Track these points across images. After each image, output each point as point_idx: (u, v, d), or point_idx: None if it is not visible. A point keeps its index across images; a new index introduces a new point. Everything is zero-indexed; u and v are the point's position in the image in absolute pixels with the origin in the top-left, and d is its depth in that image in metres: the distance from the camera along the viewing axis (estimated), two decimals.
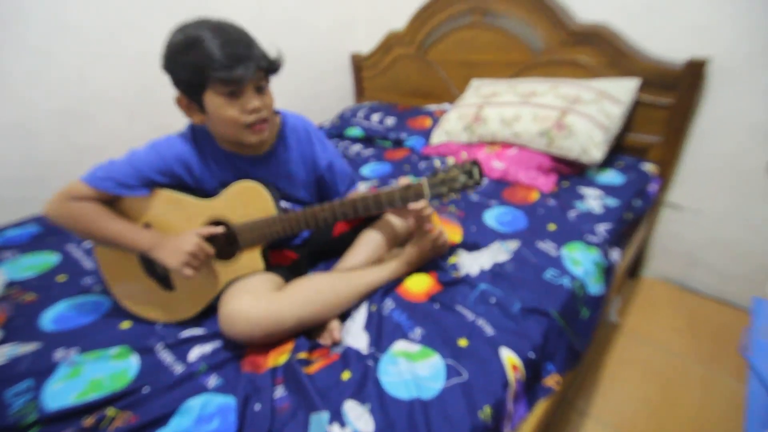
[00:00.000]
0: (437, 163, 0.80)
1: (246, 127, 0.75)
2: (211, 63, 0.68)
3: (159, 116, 1.65)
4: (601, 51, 1.39)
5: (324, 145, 0.95)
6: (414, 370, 0.69)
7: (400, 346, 0.74)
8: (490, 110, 1.43)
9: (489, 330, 0.77)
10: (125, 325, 0.84)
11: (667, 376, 1.24)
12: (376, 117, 1.87)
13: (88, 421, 0.61)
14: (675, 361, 1.28)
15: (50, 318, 0.86)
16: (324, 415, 0.61)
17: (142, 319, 0.85)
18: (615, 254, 1.06)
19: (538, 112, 1.32)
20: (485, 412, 0.63)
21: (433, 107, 1.84)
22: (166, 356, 0.75)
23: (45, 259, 1.08)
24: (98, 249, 0.85)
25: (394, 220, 0.96)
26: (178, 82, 0.73)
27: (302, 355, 0.71)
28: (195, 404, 0.65)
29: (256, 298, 0.73)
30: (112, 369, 0.72)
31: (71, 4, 1.36)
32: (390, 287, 0.88)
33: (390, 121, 1.82)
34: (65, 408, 0.64)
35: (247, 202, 0.81)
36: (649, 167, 1.36)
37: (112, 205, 0.80)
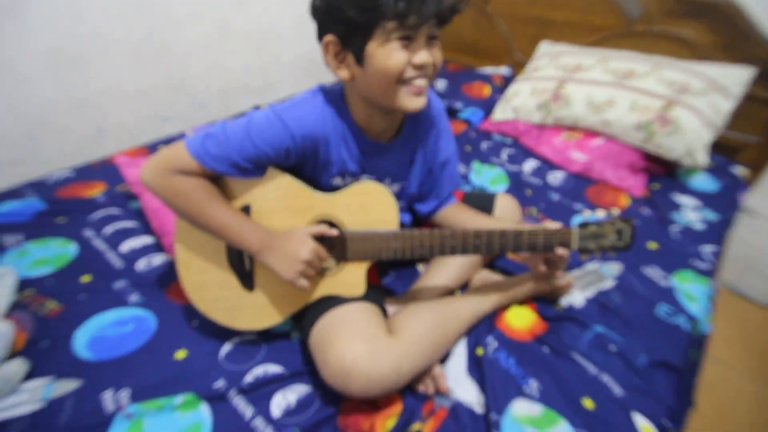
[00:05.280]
0: (586, 212, 0.70)
1: (405, 84, 0.59)
2: None
3: (171, 63, 1.37)
4: (716, 28, 1.17)
5: (449, 136, 0.79)
6: None
7: (520, 407, 0.64)
8: (574, 88, 1.23)
9: (617, 389, 0.67)
10: (180, 354, 0.70)
11: (718, 388, 1.22)
12: None
13: None
14: (726, 373, 1.26)
15: (84, 341, 0.71)
16: None
17: (201, 347, 0.71)
18: (716, 280, 0.96)
19: (637, 99, 1.13)
20: None
21: (489, 70, 1.60)
22: (243, 407, 0.63)
23: (60, 250, 0.89)
24: (180, 226, 0.69)
25: None
26: (336, 22, 0.57)
27: (416, 426, 0.60)
28: None
29: (374, 349, 0.59)
30: (181, 425, 0.59)
31: None
32: (490, 320, 0.76)
33: (441, 84, 1.58)
34: None
35: (369, 207, 0.67)
36: (740, 171, 1.22)
37: (215, 177, 0.65)
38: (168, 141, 1.30)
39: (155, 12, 1.27)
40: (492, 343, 0.73)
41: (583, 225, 0.68)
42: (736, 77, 1.12)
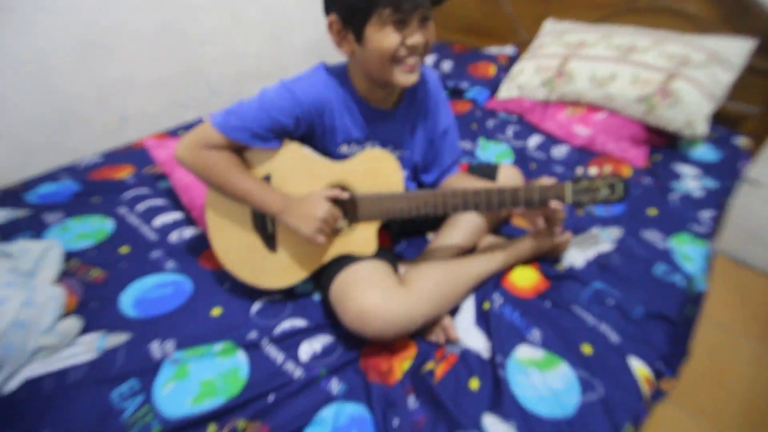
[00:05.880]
0: (579, 170, 0.75)
1: (398, 62, 0.65)
2: None
3: (187, 51, 1.43)
4: (717, 1, 1.19)
5: (447, 107, 0.86)
6: (547, 382, 0.66)
7: (524, 352, 0.70)
8: (577, 64, 1.26)
9: (613, 337, 0.73)
10: (216, 311, 0.78)
11: (719, 349, 1.27)
12: (430, 59, 1.66)
13: None
14: (727, 336, 1.31)
15: (130, 302, 0.79)
16: None
17: (233, 305, 0.79)
18: (715, 243, 1.00)
19: (639, 72, 1.16)
20: (627, 431, 0.61)
21: (494, 50, 1.63)
22: (275, 354, 0.70)
23: (98, 226, 0.97)
24: (210, 196, 0.77)
25: None
26: (338, 4, 0.64)
27: (430, 365, 0.67)
28: (327, 415, 0.61)
29: (388, 296, 0.66)
30: (221, 368, 0.67)
31: None
32: (496, 280, 0.83)
33: (447, 65, 1.62)
34: (189, 417, 0.60)
35: (376, 171, 0.74)
36: (742, 141, 1.25)
37: (239, 151, 0.73)
38: (187, 127, 1.37)
39: (172, 2, 1.32)
40: (498, 299, 0.79)
41: (576, 180, 0.73)
42: (737, 49, 1.14)
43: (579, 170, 0.75)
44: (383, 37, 0.62)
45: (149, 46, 1.34)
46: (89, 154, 1.27)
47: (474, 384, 0.66)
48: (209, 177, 0.71)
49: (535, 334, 0.73)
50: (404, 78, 0.67)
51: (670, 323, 0.76)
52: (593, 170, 0.74)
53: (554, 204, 0.72)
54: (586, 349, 0.71)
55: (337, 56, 0.72)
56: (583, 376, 0.67)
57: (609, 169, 0.74)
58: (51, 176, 1.14)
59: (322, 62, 0.75)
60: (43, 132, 1.24)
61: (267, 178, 0.74)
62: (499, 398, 0.63)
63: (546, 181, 0.74)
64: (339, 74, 0.74)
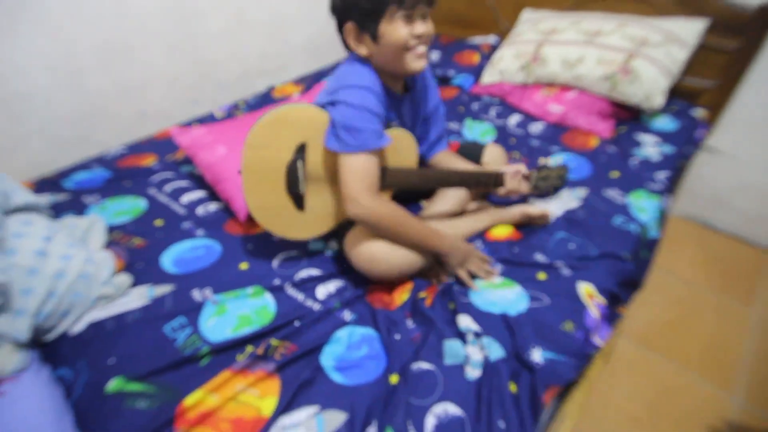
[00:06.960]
0: (542, 160, 0.97)
1: (409, 50, 0.78)
2: None
3: (199, 49, 1.56)
4: None
5: (436, 87, 1.00)
6: (502, 295, 0.81)
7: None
8: (550, 49, 1.40)
9: (566, 270, 0.88)
10: (243, 266, 0.92)
11: (684, 302, 1.43)
12: None
13: (259, 350, 0.72)
14: (692, 289, 1.47)
15: (170, 262, 0.93)
16: (457, 342, 0.73)
17: (258, 261, 0.93)
18: (669, 200, 1.15)
19: (603, 54, 1.30)
20: (567, 325, 0.76)
21: (478, 40, 1.77)
22: (296, 294, 0.85)
23: (133, 204, 1.11)
24: (246, 161, 0.81)
25: None
26: (353, 12, 0.76)
27: (423, 294, 0.82)
28: (342, 335, 0.76)
29: (392, 245, 0.80)
30: (254, 306, 0.82)
31: None
32: (479, 234, 0.98)
33: (435, 55, 1.76)
34: (231, 340, 0.74)
35: (400, 149, 0.87)
36: (699, 113, 1.40)
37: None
38: (199, 120, 1.51)
39: (183, 5, 1.46)
40: (479, 246, 0.94)
41: (538, 169, 0.93)
42: (691, 29, 1.29)
43: (541, 161, 0.95)
44: (395, 30, 0.76)
45: (163, 47, 1.48)
46: (115, 145, 1.41)
47: (451, 306, 0.81)
48: (388, 228, 0.78)
49: (498, 267, 0.89)
50: (416, 63, 0.80)
51: (620, 260, 0.91)
52: (552, 162, 0.93)
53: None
54: (541, 276, 0.86)
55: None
56: (534, 294, 0.82)
57: (560, 160, 0.93)
58: (83, 166, 1.28)
59: (351, 55, 0.84)
60: (73, 127, 1.38)
61: (302, 147, 0.81)
62: (466, 309, 0.78)
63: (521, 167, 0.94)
64: (370, 71, 0.81)
